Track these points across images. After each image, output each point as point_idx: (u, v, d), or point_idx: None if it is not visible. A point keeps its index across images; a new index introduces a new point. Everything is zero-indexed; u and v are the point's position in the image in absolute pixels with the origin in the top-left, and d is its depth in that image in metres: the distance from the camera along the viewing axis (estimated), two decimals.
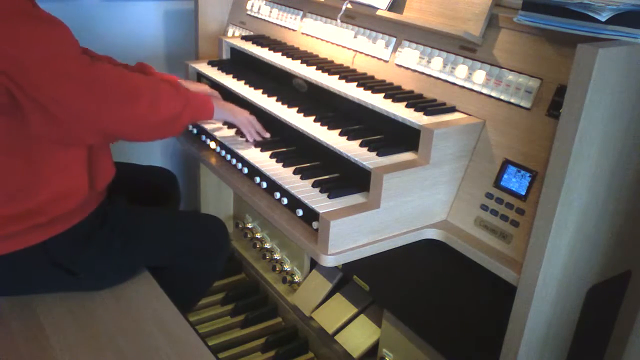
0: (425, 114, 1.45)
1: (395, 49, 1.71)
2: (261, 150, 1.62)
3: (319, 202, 1.34)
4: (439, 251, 1.43)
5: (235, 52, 2.23)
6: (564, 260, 1.26)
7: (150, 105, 1.39)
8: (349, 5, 1.77)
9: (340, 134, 1.53)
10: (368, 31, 1.80)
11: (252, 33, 2.32)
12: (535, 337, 1.32)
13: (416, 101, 1.51)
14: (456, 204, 1.44)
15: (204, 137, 1.84)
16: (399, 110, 1.48)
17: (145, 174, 1.96)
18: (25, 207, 1.37)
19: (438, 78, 1.56)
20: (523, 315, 1.27)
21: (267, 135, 1.70)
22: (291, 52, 1.96)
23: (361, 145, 1.47)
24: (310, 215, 1.34)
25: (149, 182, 1.95)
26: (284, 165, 1.53)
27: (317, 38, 2.00)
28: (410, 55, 1.64)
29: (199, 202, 2.59)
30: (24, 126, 1.31)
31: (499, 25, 1.42)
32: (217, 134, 1.73)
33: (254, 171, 1.56)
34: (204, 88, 1.85)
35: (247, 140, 1.68)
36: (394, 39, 1.71)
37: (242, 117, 1.68)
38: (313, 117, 1.63)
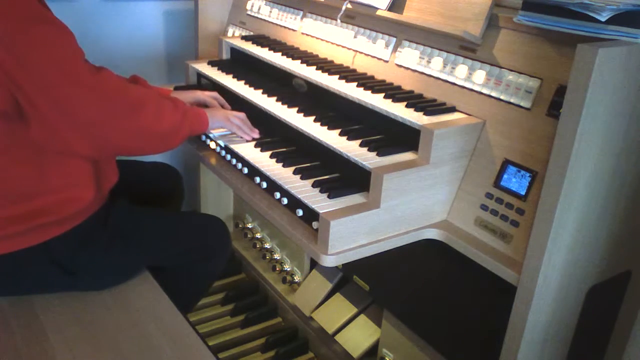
0: (425, 114, 1.45)
1: (395, 49, 1.71)
2: (261, 150, 1.62)
3: (319, 202, 1.34)
4: (439, 251, 1.43)
5: (235, 52, 2.23)
6: (564, 260, 1.26)
7: (153, 117, 1.38)
8: (349, 5, 1.77)
9: (340, 134, 1.53)
10: (368, 31, 1.80)
11: (252, 33, 2.32)
12: (535, 337, 1.32)
13: (416, 101, 1.51)
14: (456, 204, 1.44)
15: (203, 137, 1.84)
16: (399, 110, 1.48)
17: (149, 171, 1.96)
18: (28, 209, 1.37)
19: (438, 78, 1.56)
20: (523, 315, 1.27)
21: (256, 132, 1.70)
22: (291, 52, 1.96)
23: (361, 145, 1.47)
24: (310, 215, 1.34)
25: (153, 180, 1.95)
26: (284, 165, 1.53)
27: (317, 38, 2.00)
28: (410, 55, 1.64)
29: (199, 202, 2.59)
30: (29, 133, 1.30)
31: (499, 25, 1.42)
32: (217, 133, 1.73)
33: (254, 171, 1.56)
34: (197, 95, 1.84)
35: (247, 141, 1.69)
36: (394, 39, 1.71)
37: (235, 119, 1.67)
38: (313, 117, 1.63)
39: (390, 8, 1.65)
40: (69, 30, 1.30)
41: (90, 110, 1.27)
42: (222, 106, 1.83)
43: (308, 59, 1.88)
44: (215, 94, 1.86)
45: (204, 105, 1.84)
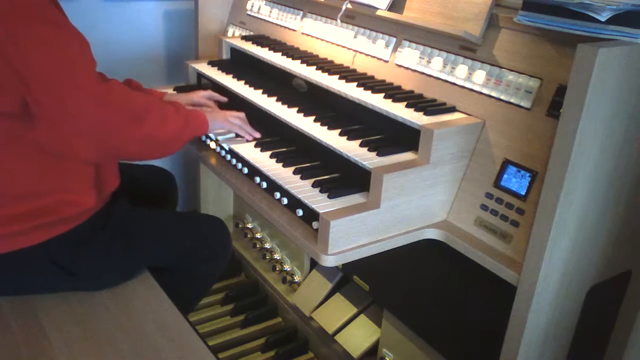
0: (425, 114, 1.45)
1: (395, 49, 1.71)
2: (261, 150, 1.62)
3: (319, 202, 1.34)
4: (439, 251, 1.43)
5: (235, 52, 2.23)
6: (564, 260, 1.26)
7: (157, 125, 1.40)
8: (349, 5, 1.77)
9: (340, 134, 1.53)
10: (368, 31, 1.80)
11: (252, 33, 2.32)
12: (535, 337, 1.32)
13: (416, 101, 1.51)
14: (456, 204, 1.44)
15: (203, 137, 1.84)
16: (399, 110, 1.48)
17: (143, 174, 1.96)
18: (30, 208, 1.38)
19: (438, 78, 1.56)
20: (523, 315, 1.27)
21: (257, 133, 1.71)
22: (291, 52, 1.96)
23: (361, 145, 1.47)
24: (310, 215, 1.34)
25: (147, 182, 1.95)
26: (284, 165, 1.53)
27: (317, 38, 2.00)
28: (410, 55, 1.64)
29: (199, 202, 2.59)
30: (34, 134, 1.31)
31: (499, 25, 1.42)
32: (218, 135, 1.73)
33: (254, 171, 1.56)
34: (192, 98, 1.84)
35: (247, 141, 1.69)
36: (394, 39, 1.71)
37: (234, 120, 1.68)
38: (313, 117, 1.63)
39: (390, 8, 1.65)
40: (84, 39, 1.32)
41: (95, 116, 1.29)
42: (219, 102, 1.85)
43: (308, 59, 1.88)
44: (209, 92, 1.87)
45: (200, 106, 1.84)
